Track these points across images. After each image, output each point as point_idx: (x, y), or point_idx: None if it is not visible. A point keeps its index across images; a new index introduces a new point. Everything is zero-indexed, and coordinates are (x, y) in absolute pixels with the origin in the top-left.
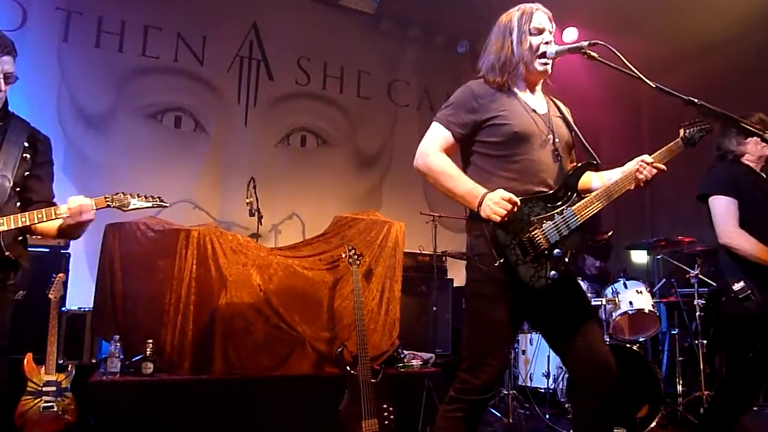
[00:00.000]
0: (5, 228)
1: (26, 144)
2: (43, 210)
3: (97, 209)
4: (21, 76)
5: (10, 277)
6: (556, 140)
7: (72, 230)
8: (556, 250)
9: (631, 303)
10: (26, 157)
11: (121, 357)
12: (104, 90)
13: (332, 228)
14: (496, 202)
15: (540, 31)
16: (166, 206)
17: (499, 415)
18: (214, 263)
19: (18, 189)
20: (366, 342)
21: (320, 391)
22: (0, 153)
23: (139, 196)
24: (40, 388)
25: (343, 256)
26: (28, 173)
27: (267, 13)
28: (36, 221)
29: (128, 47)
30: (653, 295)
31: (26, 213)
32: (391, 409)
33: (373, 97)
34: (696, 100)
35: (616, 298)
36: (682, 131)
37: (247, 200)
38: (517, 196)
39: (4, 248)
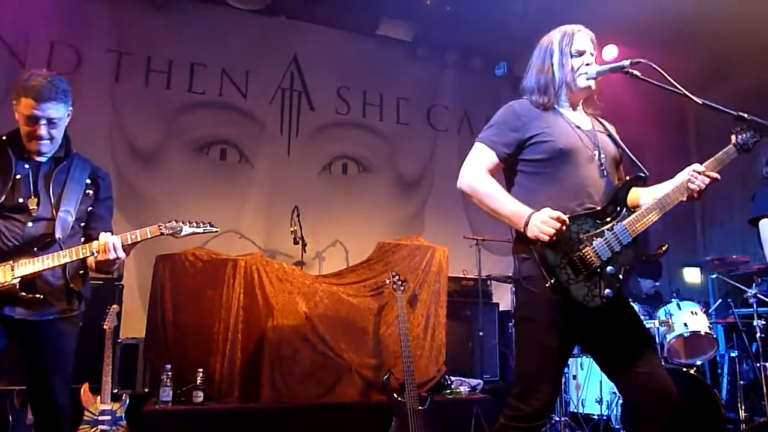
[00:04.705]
0: (52, 264)
1: (88, 181)
2: (78, 247)
3: (151, 237)
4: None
5: (75, 307)
6: (602, 156)
7: (103, 266)
8: (609, 267)
9: (686, 325)
10: (89, 193)
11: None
12: (154, 126)
13: (376, 254)
14: (544, 221)
15: (581, 53)
16: (216, 231)
17: None
18: (260, 292)
19: (82, 224)
20: (413, 368)
21: (368, 418)
22: (64, 190)
23: (190, 223)
24: (96, 417)
25: (387, 282)
26: (90, 209)
27: (307, 46)
28: (73, 258)
29: (175, 84)
30: (709, 316)
31: (66, 251)
32: None
33: (413, 122)
34: (745, 115)
35: (670, 320)
36: (734, 137)
37: (291, 229)
38: (565, 214)
39: (69, 280)
